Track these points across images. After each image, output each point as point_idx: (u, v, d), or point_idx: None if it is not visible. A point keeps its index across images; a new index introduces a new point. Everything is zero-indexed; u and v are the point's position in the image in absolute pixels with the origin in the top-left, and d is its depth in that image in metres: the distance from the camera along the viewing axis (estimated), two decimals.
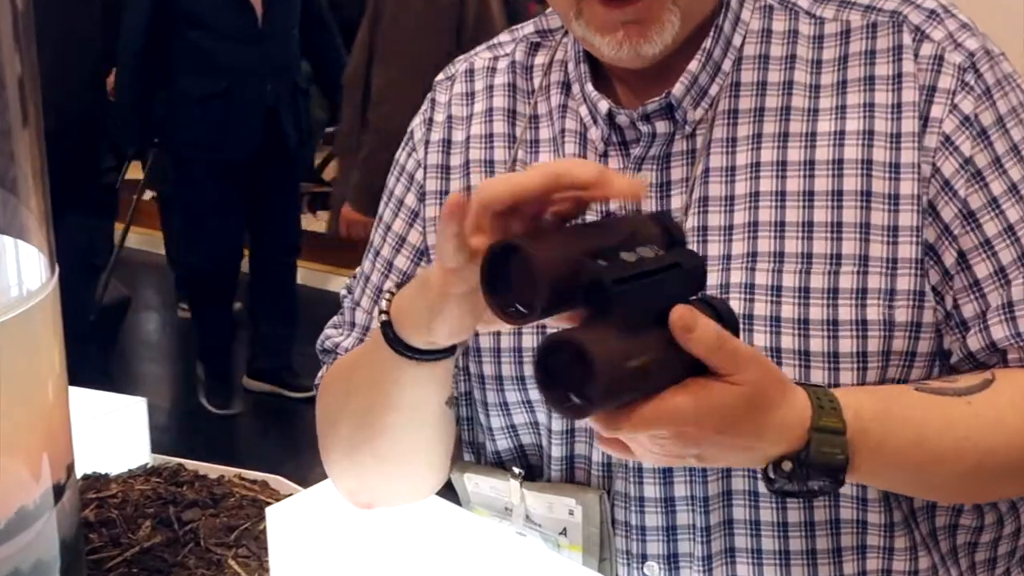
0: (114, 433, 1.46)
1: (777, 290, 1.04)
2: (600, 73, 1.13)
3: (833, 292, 1.03)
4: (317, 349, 1.24)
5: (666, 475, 1.08)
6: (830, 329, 1.03)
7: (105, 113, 4.00)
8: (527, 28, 1.22)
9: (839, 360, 1.03)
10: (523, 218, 0.86)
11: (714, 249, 1.06)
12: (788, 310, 1.04)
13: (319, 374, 1.21)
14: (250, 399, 4.56)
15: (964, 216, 1.03)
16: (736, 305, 1.04)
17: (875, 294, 1.03)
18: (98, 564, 1.23)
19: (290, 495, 1.29)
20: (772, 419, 0.89)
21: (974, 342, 1.03)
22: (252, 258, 4.58)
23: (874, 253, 1.03)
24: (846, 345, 1.03)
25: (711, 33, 1.08)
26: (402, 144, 1.23)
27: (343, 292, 1.25)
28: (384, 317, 0.98)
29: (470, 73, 1.22)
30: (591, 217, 1.01)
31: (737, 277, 1.05)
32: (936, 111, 1.04)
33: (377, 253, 1.22)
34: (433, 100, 1.23)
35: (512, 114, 1.18)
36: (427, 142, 1.20)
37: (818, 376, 1.03)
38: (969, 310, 1.04)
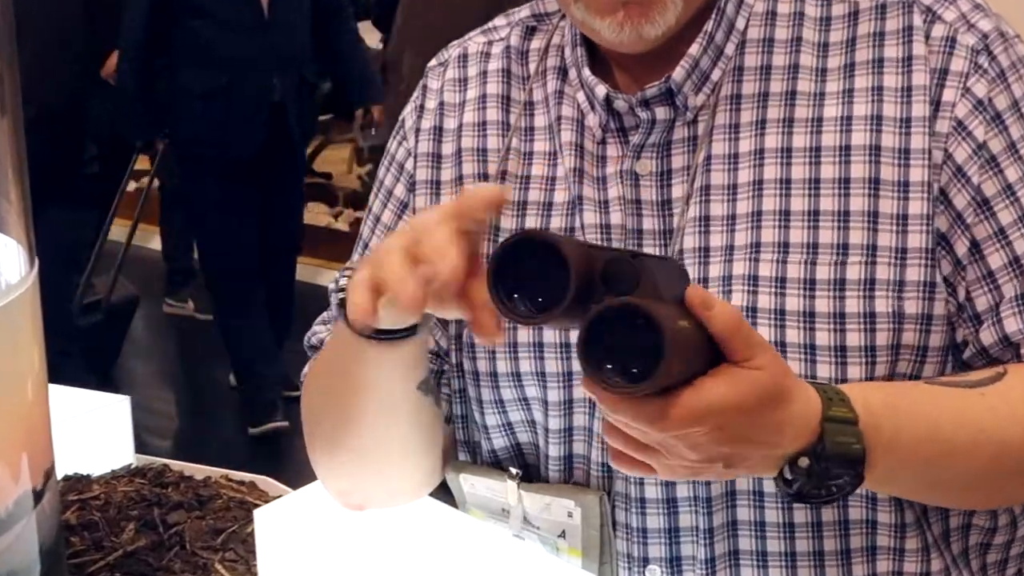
0: (96, 432, 1.46)
1: (782, 282, 1.04)
2: (598, 58, 1.12)
3: (840, 283, 1.03)
4: (305, 345, 1.23)
5: None
6: (837, 322, 1.02)
7: (88, 102, 3.99)
8: (523, 12, 1.21)
9: (846, 354, 1.02)
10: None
11: (716, 240, 1.06)
12: (793, 302, 1.03)
13: (303, 371, 1.20)
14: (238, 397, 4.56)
15: (978, 204, 1.02)
16: (739, 297, 1.04)
17: (884, 285, 1.02)
18: (80, 569, 1.22)
19: (279, 496, 1.29)
20: (791, 411, 0.89)
21: (987, 336, 1.03)
22: None
23: (882, 243, 1.02)
24: (853, 339, 1.02)
25: (713, 15, 1.08)
26: (393, 133, 1.23)
27: (331, 286, 1.25)
28: (342, 295, 0.97)
29: (463, 58, 1.21)
30: None
31: (740, 269, 1.05)
32: (948, 95, 1.03)
33: (366, 246, 1.22)
34: (425, 87, 1.22)
35: (506, 101, 1.17)
36: (418, 130, 1.20)
37: (825, 371, 1.02)
38: (982, 302, 1.03)
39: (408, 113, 1.22)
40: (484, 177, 1.15)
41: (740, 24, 1.09)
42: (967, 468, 0.99)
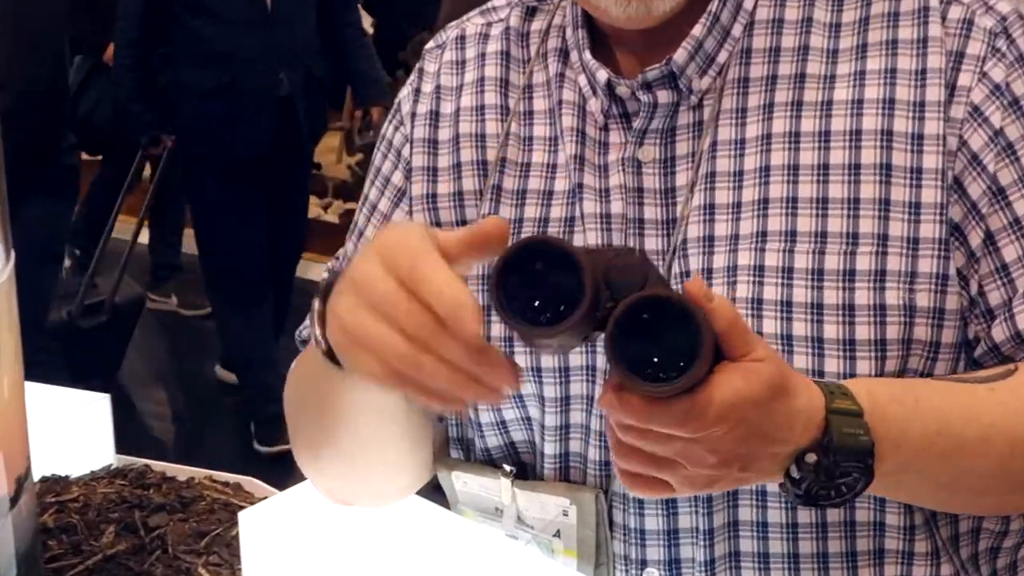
0: (75, 431, 1.45)
1: (789, 272, 1.03)
2: (599, 41, 1.11)
3: (849, 274, 1.02)
4: (296, 340, 1.23)
5: None
6: (846, 314, 1.02)
7: (68, 92, 3.98)
8: None
9: (855, 348, 1.02)
10: None
11: (721, 228, 1.05)
12: (800, 294, 1.03)
13: (292, 366, 1.19)
14: (223, 392, 4.54)
15: (993, 193, 1.02)
16: (745, 289, 1.03)
17: (895, 276, 1.02)
18: (57, 573, 1.22)
19: (264, 498, 1.28)
20: (797, 404, 0.89)
21: (999, 332, 1.03)
22: None
23: (894, 232, 1.02)
24: (863, 332, 1.02)
25: None
26: (388, 118, 1.22)
27: (324, 276, 1.24)
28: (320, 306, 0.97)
29: (461, 40, 1.20)
30: None
31: (745, 258, 1.04)
32: (964, 79, 1.03)
33: (361, 234, 1.22)
34: (421, 70, 1.22)
35: (505, 84, 1.16)
36: (414, 115, 1.19)
37: (833, 365, 1.02)
38: (995, 297, 1.03)
39: (404, 97, 1.21)
40: (483, 164, 1.15)
41: (748, 4, 1.08)
42: (978, 465, 0.99)
